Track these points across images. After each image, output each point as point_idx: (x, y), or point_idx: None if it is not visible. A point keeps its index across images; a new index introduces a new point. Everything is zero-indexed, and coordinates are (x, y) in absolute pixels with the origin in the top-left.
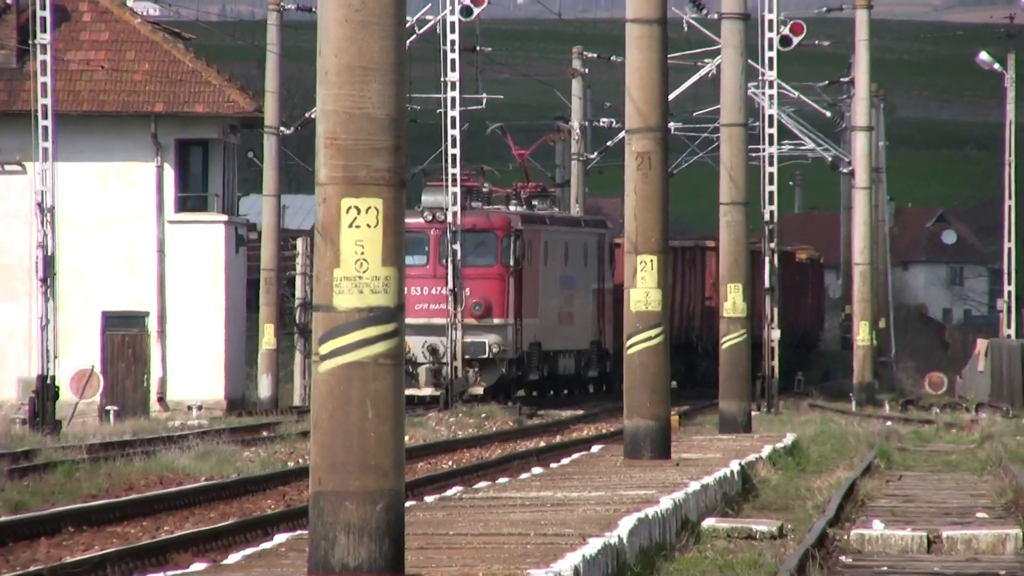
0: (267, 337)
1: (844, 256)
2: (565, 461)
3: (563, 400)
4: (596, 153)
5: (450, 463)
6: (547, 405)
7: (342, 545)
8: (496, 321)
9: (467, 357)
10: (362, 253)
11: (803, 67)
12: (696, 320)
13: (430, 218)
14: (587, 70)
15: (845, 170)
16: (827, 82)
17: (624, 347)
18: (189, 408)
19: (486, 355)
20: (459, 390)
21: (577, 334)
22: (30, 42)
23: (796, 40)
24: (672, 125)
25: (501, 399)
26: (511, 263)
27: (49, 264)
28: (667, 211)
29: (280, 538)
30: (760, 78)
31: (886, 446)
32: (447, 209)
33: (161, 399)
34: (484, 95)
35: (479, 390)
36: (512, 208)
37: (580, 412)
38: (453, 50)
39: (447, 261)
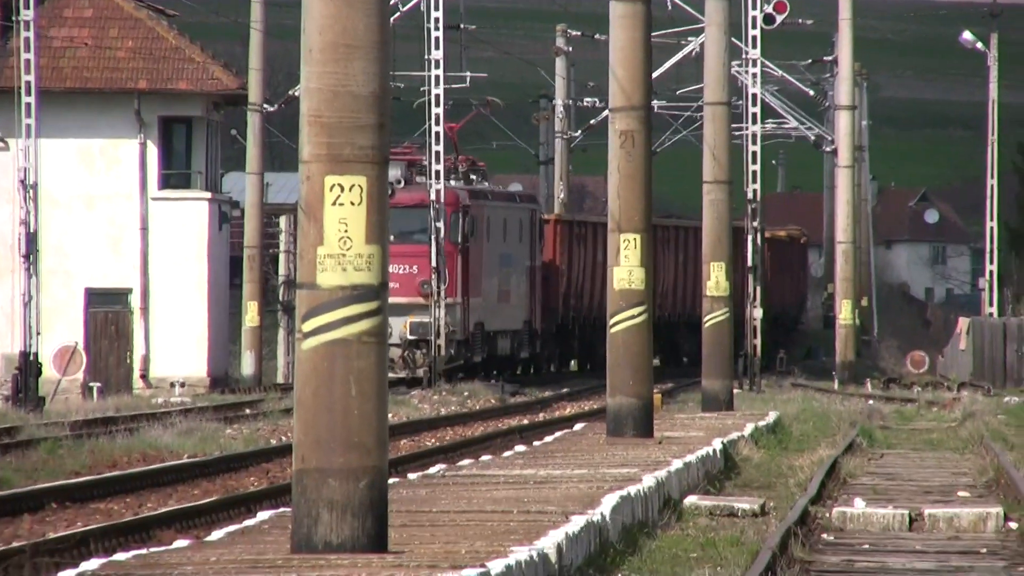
0: (250, 314)
1: (827, 235)
2: (548, 439)
3: (546, 380)
4: (580, 132)
5: (433, 441)
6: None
7: (325, 522)
8: (446, 300)
9: (414, 338)
10: (346, 231)
11: (786, 46)
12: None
13: None
14: (571, 48)
15: (828, 149)
16: (810, 61)
17: (607, 325)
18: (172, 385)
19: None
20: (440, 368)
21: (513, 313)
22: (13, 19)
23: (779, 19)
24: (655, 104)
25: (445, 381)
26: (459, 240)
27: (32, 241)
28: (650, 190)
29: (263, 515)
30: (743, 57)
31: (868, 424)
32: (430, 186)
33: (144, 376)
34: (468, 73)
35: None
36: (452, 183)
37: (563, 390)
38: (437, 28)
39: (394, 237)
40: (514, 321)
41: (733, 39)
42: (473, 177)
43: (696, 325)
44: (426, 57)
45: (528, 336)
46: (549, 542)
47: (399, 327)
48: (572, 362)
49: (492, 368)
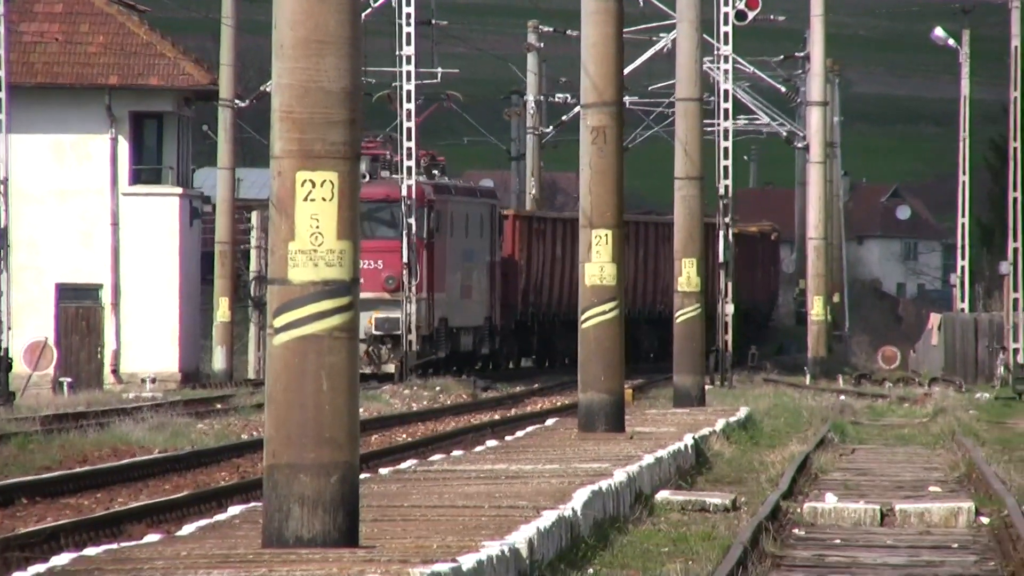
0: (222, 310)
1: (799, 231)
2: (520, 434)
3: (514, 374)
4: (552, 127)
5: (405, 436)
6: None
7: (296, 517)
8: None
9: (379, 334)
10: (317, 226)
11: (758, 42)
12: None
13: None
14: (543, 44)
15: (800, 145)
16: (782, 57)
17: (579, 321)
18: (143, 380)
19: (400, 331)
20: (412, 363)
21: (475, 309)
22: None
23: (751, 15)
24: (627, 99)
25: (416, 376)
26: (425, 235)
27: (3, 236)
28: (622, 185)
29: (234, 510)
30: (715, 52)
31: (840, 420)
32: (401, 182)
33: (115, 371)
34: (439, 69)
35: (391, 368)
36: (415, 178)
37: (535, 386)
38: (408, 23)
39: (365, 232)
40: (476, 317)
41: (705, 35)
42: (435, 172)
43: (655, 321)
44: (397, 53)
45: (488, 332)
46: (520, 537)
47: (364, 322)
48: (532, 358)
49: (453, 364)
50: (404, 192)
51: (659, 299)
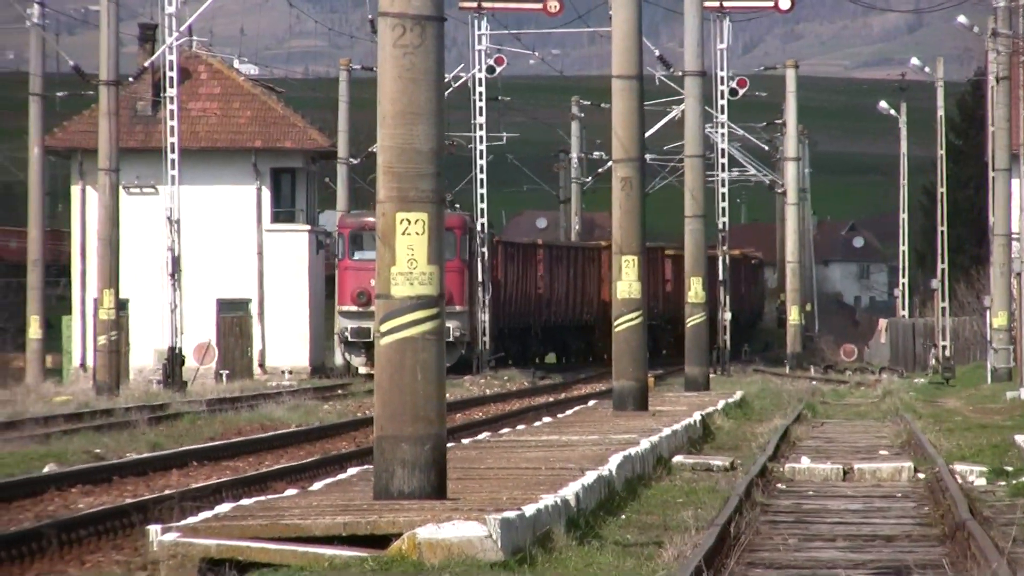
0: None
1: (779, 256)
2: (568, 412)
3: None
4: (590, 177)
5: (481, 414)
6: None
7: (399, 477)
8: (458, 308)
9: None
10: (412, 255)
11: (747, 112)
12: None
13: None
14: (583, 114)
15: (779, 191)
16: (765, 123)
17: (612, 325)
18: (282, 372)
19: (449, 338)
20: (487, 359)
21: (475, 323)
22: (161, 95)
23: (741, 92)
24: (648, 156)
25: (484, 369)
26: (467, 258)
27: (176, 263)
28: (644, 222)
29: (352, 471)
30: (714, 120)
31: (811, 400)
32: (476, 219)
33: (261, 365)
34: (504, 134)
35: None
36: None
37: (581, 376)
38: (481, 99)
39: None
40: (472, 328)
41: (706, 107)
42: (457, 206)
43: (585, 327)
44: (472, 121)
45: (470, 342)
46: (570, 491)
47: None
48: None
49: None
50: (478, 228)
51: (587, 309)
